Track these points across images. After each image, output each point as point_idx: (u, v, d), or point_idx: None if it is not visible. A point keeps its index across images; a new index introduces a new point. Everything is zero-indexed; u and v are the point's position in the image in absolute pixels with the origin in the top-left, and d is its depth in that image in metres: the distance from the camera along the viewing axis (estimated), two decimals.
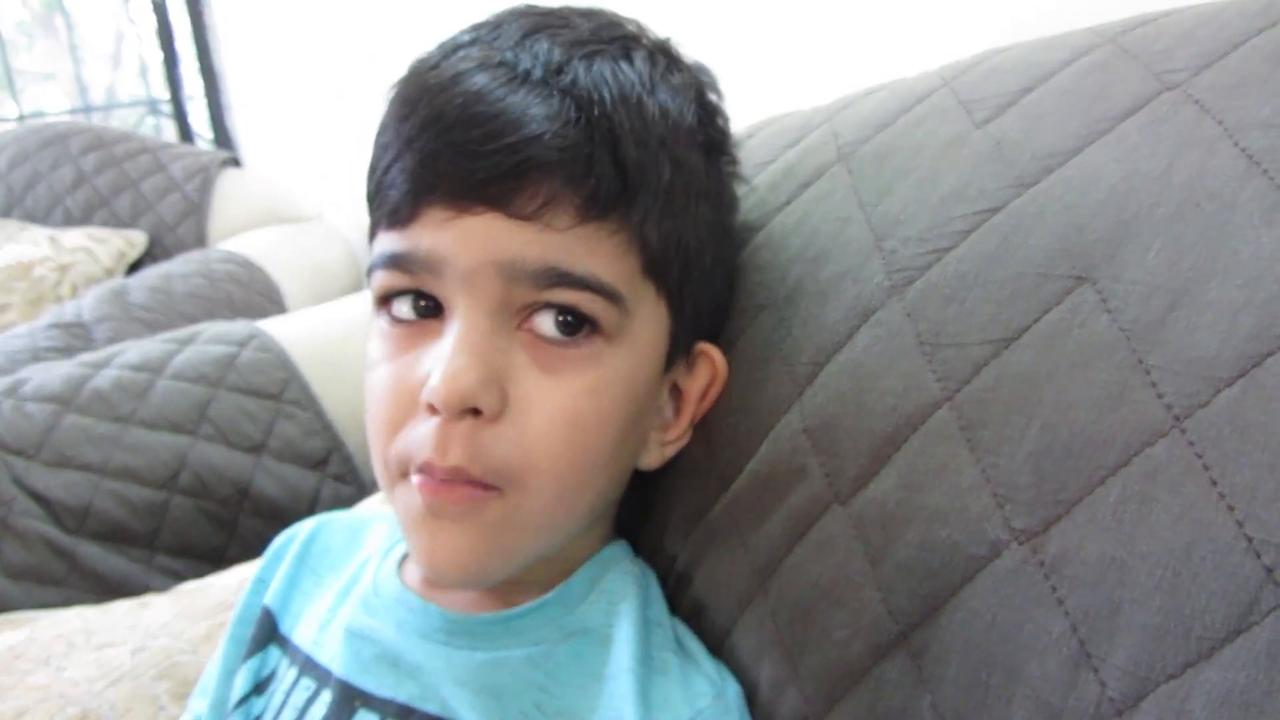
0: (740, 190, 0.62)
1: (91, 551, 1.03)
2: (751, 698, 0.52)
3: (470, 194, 0.45)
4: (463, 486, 0.46)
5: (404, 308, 0.49)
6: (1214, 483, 0.36)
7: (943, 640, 0.43)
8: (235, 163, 2.28)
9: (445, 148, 0.46)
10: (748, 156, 0.65)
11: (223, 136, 2.59)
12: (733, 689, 0.51)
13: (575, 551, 0.55)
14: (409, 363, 0.48)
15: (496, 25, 0.50)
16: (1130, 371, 0.39)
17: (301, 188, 2.21)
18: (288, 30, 2.28)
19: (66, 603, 0.95)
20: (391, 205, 0.48)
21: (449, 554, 0.47)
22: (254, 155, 2.56)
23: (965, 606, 0.43)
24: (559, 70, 0.46)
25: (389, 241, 0.48)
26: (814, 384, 0.51)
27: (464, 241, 0.46)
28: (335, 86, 2.08)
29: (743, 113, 0.68)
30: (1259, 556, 0.34)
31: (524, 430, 0.46)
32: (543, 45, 0.47)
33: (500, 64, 0.47)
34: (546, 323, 0.47)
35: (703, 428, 0.57)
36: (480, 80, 0.46)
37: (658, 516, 0.60)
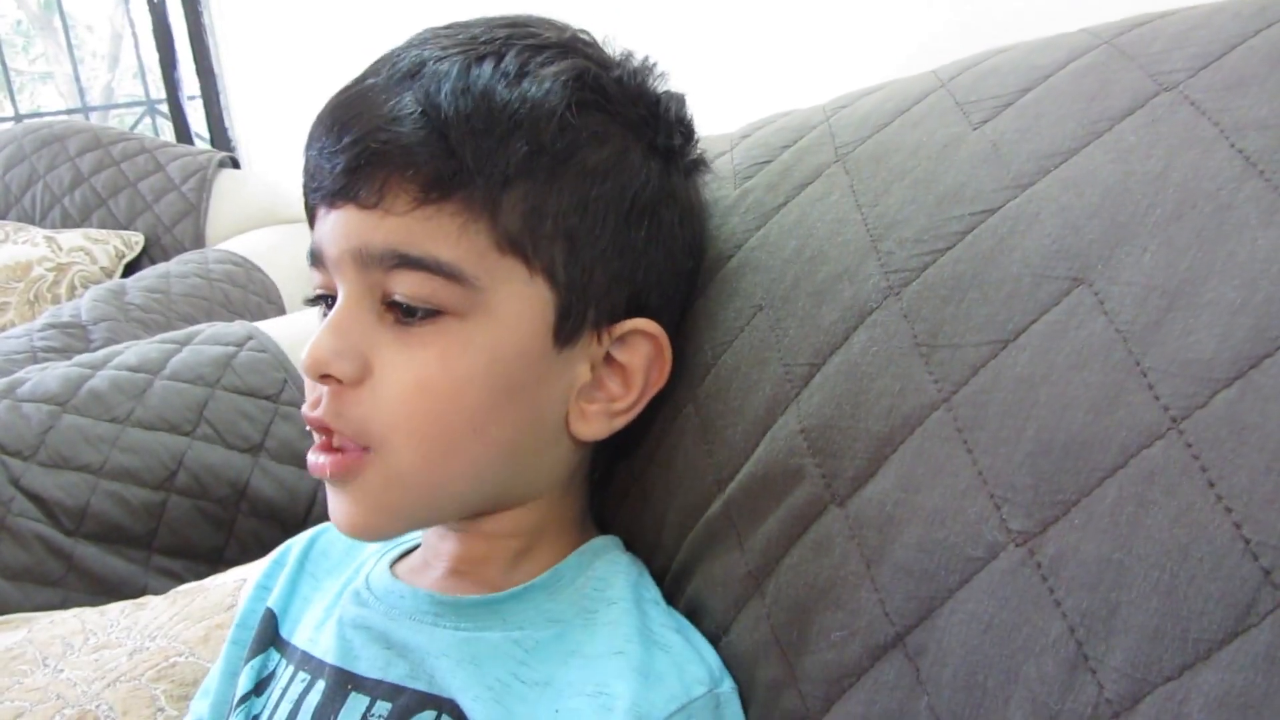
0: (719, 188, 0.62)
1: (89, 552, 1.03)
2: (748, 699, 0.52)
3: (333, 190, 0.52)
4: (337, 453, 0.52)
5: (324, 308, 0.55)
6: (1211, 484, 0.36)
7: (940, 642, 0.43)
8: (233, 163, 2.28)
9: (318, 153, 0.52)
10: (744, 156, 0.65)
11: (220, 137, 2.59)
12: (728, 685, 0.52)
13: (557, 540, 0.57)
14: None
15: (416, 38, 0.55)
16: (1127, 373, 0.39)
17: (299, 188, 2.21)
18: (286, 30, 2.27)
19: (64, 603, 0.95)
20: (305, 208, 0.56)
21: (342, 514, 0.53)
22: (252, 155, 2.56)
23: (963, 608, 0.43)
24: (413, 73, 0.51)
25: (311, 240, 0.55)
26: (810, 385, 0.51)
27: (331, 234, 0.52)
28: (333, 87, 2.08)
29: (739, 113, 0.68)
30: (1257, 558, 0.34)
31: (378, 394, 0.51)
32: (416, 52, 0.52)
33: (377, 75, 0.53)
34: (401, 311, 0.51)
35: (699, 428, 0.57)
36: (354, 89, 0.53)
37: (655, 516, 0.60)
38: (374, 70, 0.53)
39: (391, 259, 0.50)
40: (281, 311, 1.83)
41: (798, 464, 0.51)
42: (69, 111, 3.43)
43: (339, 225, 0.51)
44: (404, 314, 0.51)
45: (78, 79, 3.49)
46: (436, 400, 0.50)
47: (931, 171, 0.52)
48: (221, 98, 2.56)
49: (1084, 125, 0.47)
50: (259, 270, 1.88)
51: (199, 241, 2.10)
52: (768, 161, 0.63)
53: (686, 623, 0.55)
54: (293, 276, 1.92)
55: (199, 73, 2.54)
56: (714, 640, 0.54)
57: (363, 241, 0.50)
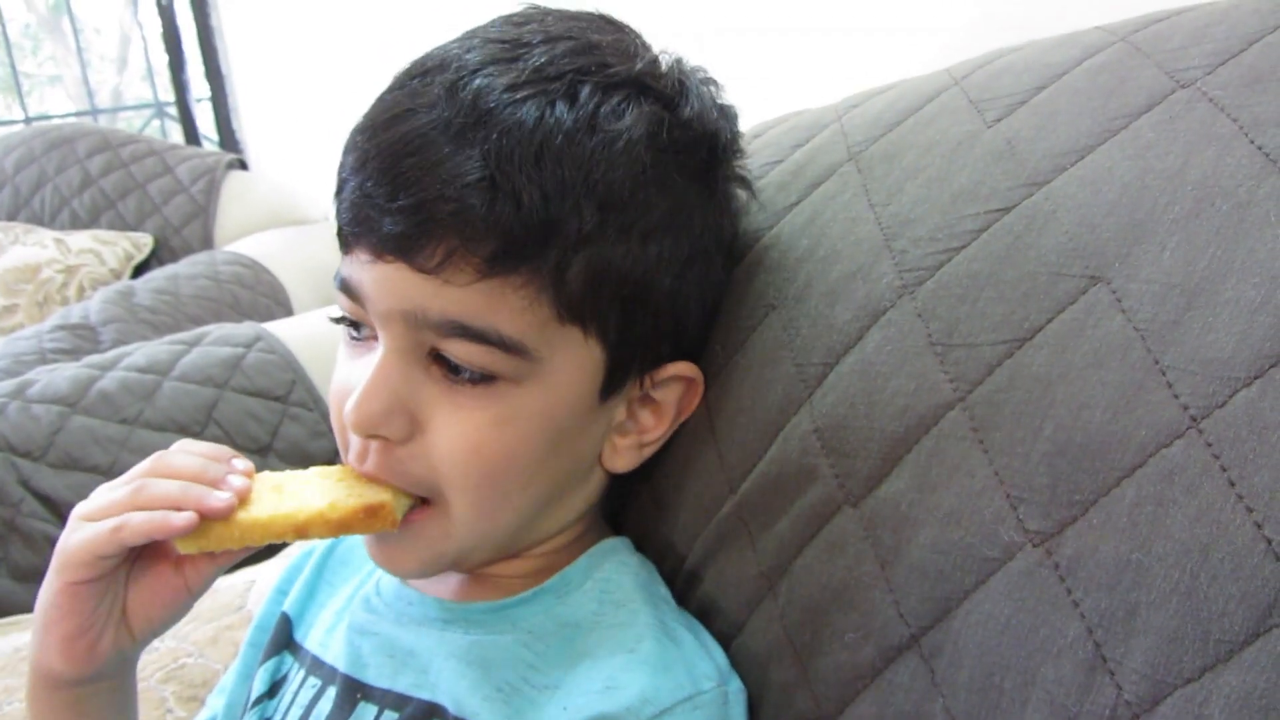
0: (745, 201, 0.61)
1: None
2: (760, 700, 0.52)
3: (383, 244, 0.48)
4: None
5: (351, 330, 0.54)
6: (1232, 484, 0.36)
7: (956, 643, 0.43)
8: (241, 165, 2.29)
9: (364, 199, 0.49)
10: (755, 156, 0.64)
11: (229, 139, 2.59)
12: (736, 685, 0.52)
13: (568, 547, 0.57)
14: (351, 371, 0.53)
15: (468, 47, 0.51)
16: (1146, 372, 0.39)
17: (307, 190, 2.21)
18: (294, 32, 2.28)
19: None
20: (338, 231, 0.52)
21: (388, 559, 0.54)
22: (260, 157, 2.57)
23: (979, 609, 0.42)
24: (481, 120, 0.47)
25: (342, 264, 0.52)
26: (824, 384, 0.51)
27: (378, 286, 0.49)
28: (341, 88, 2.08)
29: (751, 112, 0.68)
30: (1278, 559, 0.34)
31: (431, 453, 0.50)
32: (480, 84, 0.48)
33: (434, 105, 0.48)
34: (449, 365, 0.50)
35: (711, 429, 0.57)
36: (409, 126, 0.48)
37: (667, 517, 0.60)
38: (425, 95, 0.49)
39: (450, 328, 0.48)
40: (289, 313, 1.83)
41: (811, 464, 0.50)
42: (78, 114, 3.45)
43: (389, 281, 0.48)
44: (453, 370, 0.49)
45: (86, 82, 3.50)
46: (491, 462, 0.50)
47: (945, 170, 0.51)
48: (230, 100, 2.56)
49: (1100, 123, 0.46)
50: (267, 272, 1.88)
51: (207, 243, 2.10)
52: (779, 161, 0.63)
53: (697, 623, 0.55)
54: (301, 278, 1.92)
55: (207, 75, 2.55)
56: (726, 641, 0.54)
57: (417, 306, 0.48)
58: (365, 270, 0.49)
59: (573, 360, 0.51)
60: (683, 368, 0.55)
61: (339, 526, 0.49)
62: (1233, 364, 0.37)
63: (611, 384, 0.52)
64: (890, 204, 0.53)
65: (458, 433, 0.49)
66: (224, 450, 0.52)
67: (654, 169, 0.50)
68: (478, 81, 0.48)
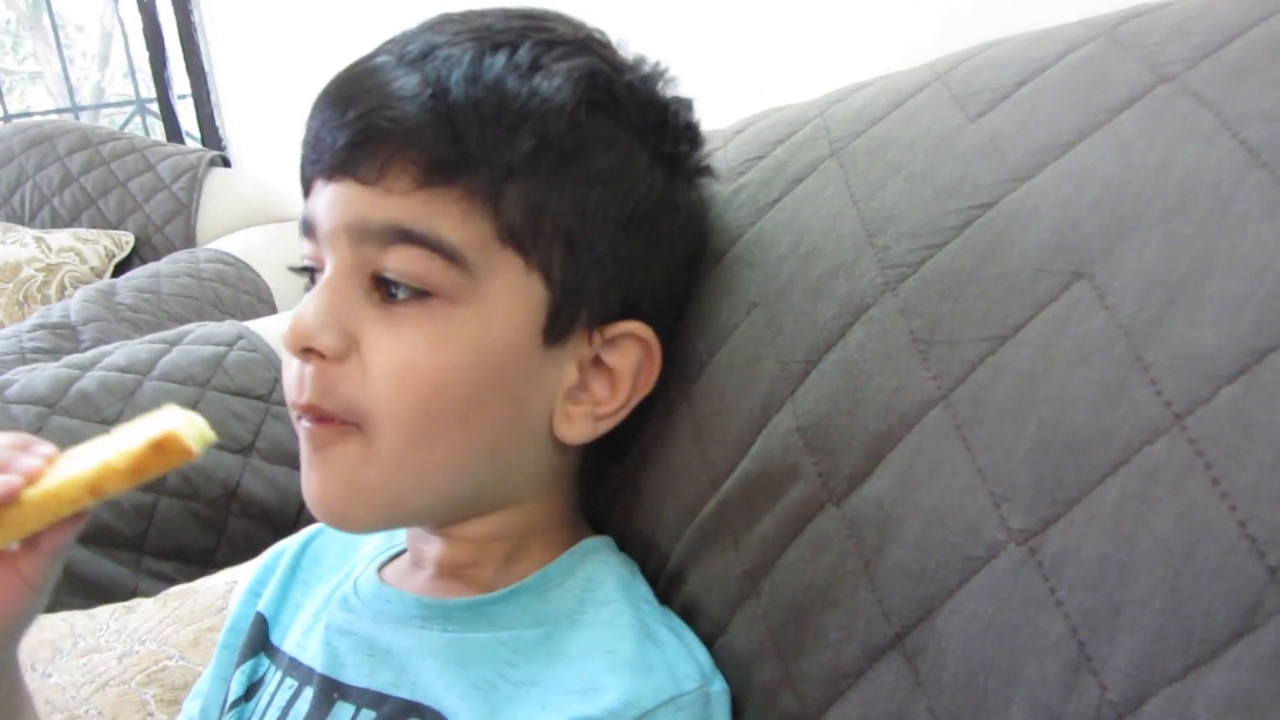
0: (712, 186, 0.61)
1: (79, 555, 1.02)
2: (744, 701, 0.52)
3: (333, 164, 0.51)
4: (326, 422, 0.51)
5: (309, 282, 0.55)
6: (1216, 482, 0.35)
7: (940, 642, 0.43)
8: (224, 162, 2.27)
9: (320, 125, 0.52)
10: (737, 152, 0.64)
11: (211, 135, 2.58)
12: (719, 685, 0.51)
13: (549, 541, 0.56)
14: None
15: (429, 22, 0.54)
16: (1129, 369, 0.39)
17: (290, 186, 2.19)
18: (276, 28, 2.27)
19: (53, 607, 0.94)
20: (300, 173, 0.55)
21: (315, 489, 0.52)
22: (242, 154, 2.55)
23: (963, 608, 0.42)
24: (424, 55, 0.51)
25: (304, 207, 0.54)
26: (806, 382, 0.51)
27: (327, 207, 0.51)
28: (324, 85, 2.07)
29: (733, 108, 0.67)
30: (1263, 557, 0.34)
31: (365, 372, 0.50)
32: (428, 36, 0.52)
33: (388, 52, 0.52)
34: (389, 290, 0.50)
35: (694, 427, 0.56)
36: (363, 65, 0.52)
37: (649, 515, 0.59)
38: (384, 49, 0.53)
39: (391, 234, 0.49)
40: (273, 310, 1.82)
41: (794, 462, 0.50)
42: (59, 111, 3.42)
43: (336, 198, 0.51)
44: (390, 292, 0.50)
45: (67, 78, 3.47)
46: (422, 385, 0.50)
47: (928, 165, 0.51)
48: (212, 96, 2.55)
49: (1083, 117, 0.46)
50: (250, 269, 1.87)
51: (189, 241, 2.09)
52: (761, 157, 0.62)
53: (679, 622, 0.55)
54: (284, 275, 1.90)
55: (189, 71, 2.53)
56: (710, 641, 0.54)
57: (360, 216, 0.50)
58: (318, 198, 0.52)
59: (513, 289, 0.51)
60: (635, 326, 0.54)
61: (132, 473, 0.47)
62: (1216, 360, 0.37)
63: (556, 328, 0.52)
64: (873, 200, 0.52)
65: (390, 350, 0.49)
66: (24, 437, 0.51)
67: (593, 117, 0.52)
68: (426, 36, 0.52)
